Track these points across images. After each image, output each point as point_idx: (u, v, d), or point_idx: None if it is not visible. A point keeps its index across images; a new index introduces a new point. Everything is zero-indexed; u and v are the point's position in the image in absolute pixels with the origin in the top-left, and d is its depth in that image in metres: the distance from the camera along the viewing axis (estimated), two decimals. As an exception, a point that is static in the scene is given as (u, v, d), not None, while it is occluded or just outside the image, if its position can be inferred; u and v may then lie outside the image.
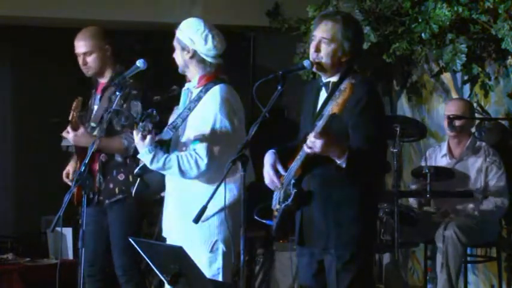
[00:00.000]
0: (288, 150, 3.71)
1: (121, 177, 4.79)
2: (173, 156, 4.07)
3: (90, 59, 4.87)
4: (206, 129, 4.07)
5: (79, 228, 4.37)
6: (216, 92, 4.12)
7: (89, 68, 4.88)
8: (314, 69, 3.69)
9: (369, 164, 3.54)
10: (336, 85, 3.60)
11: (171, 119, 4.33)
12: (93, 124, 4.87)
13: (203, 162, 4.03)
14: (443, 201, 5.53)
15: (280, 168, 3.68)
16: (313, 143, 3.40)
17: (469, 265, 5.58)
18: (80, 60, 4.89)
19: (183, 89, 4.32)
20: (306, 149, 3.45)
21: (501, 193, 5.39)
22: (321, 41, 3.62)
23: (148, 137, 4.02)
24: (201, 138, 4.07)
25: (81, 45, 4.89)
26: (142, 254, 3.69)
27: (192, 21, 4.22)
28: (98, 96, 4.92)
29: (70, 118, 4.75)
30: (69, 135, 4.73)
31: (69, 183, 4.88)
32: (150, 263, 3.66)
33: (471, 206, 5.41)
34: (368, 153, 3.50)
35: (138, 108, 4.72)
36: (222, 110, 4.09)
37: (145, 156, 4.06)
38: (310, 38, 3.71)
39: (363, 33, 3.83)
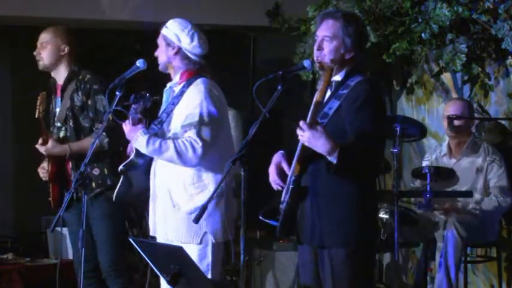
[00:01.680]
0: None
1: (96, 171, 4.86)
2: (169, 140, 4.12)
3: (43, 51, 4.99)
4: (194, 117, 4.14)
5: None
6: (199, 83, 4.22)
7: (40, 59, 5.00)
8: (318, 70, 3.71)
9: (361, 162, 3.53)
10: (340, 84, 3.62)
11: None
12: (58, 124, 4.95)
13: (198, 145, 4.09)
14: (443, 201, 5.53)
15: (286, 168, 3.68)
16: (301, 135, 3.44)
17: (469, 265, 5.58)
18: (36, 50, 5.02)
19: (165, 89, 4.38)
20: (299, 137, 3.48)
21: (503, 191, 5.39)
22: (323, 39, 3.64)
23: (139, 124, 4.10)
24: (190, 126, 4.13)
25: (41, 37, 5.04)
26: (142, 254, 3.69)
27: (178, 20, 4.32)
28: (59, 99, 4.99)
29: (37, 115, 4.83)
30: (41, 149, 4.85)
31: (43, 176, 4.96)
32: (150, 263, 3.66)
33: (472, 205, 5.41)
34: (361, 150, 3.49)
35: (104, 102, 4.82)
36: (207, 97, 4.18)
37: (140, 138, 4.08)
38: (313, 39, 3.72)
39: (365, 31, 3.82)
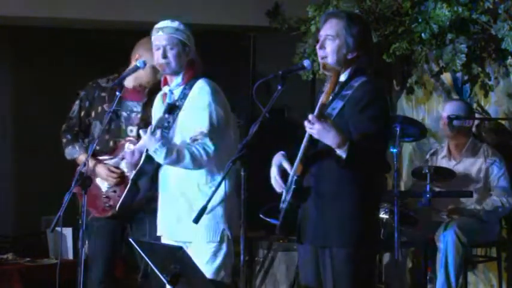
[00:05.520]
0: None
1: None
2: (182, 148, 4.11)
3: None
4: (204, 120, 4.13)
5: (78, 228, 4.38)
6: (203, 84, 4.20)
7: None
8: (321, 70, 3.71)
9: (368, 159, 3.54)
10: (344, 84, 3.62)
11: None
12: (130, 128, 4.82)
13: (211, 149, 4.10)
14: (444, 201, 5.54)
15: (288, 167, 3.69)
16: (311, 127, 3.43)
17: (469, 265, 5.58)
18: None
19: (161, 93, 4.35)
20: (307, 129, 3.47)
21: (505, 192, 5.40)
22: (326, 38, 3.65)
23: (158, 131, 4.05)
24: (201, 129, 4.12)
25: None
26: (142, 254, 3.69)
27: (178, 21, 4.26)
28: (131, 102, 4.83)
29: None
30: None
31: (116, 181, 4.78)
32: (150, 263, 3.66)
33: (474, 205, 5.41)
34: (367, 148, 3.50)
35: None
36: (215, 98, 4.17)
37: (159, 151, 4.06)
38: (313, 39, 3.73)
39: (369, 32, 3.81)
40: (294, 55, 6.37)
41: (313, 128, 3.43)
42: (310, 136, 3.54)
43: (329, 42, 3.64)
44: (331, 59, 3.64)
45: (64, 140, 4.96)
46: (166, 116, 4.16)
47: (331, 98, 3.64)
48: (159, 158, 4.09)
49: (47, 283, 5.25)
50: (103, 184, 4.81)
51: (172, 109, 4.15)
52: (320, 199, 3.59)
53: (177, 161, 4.09)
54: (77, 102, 4.99)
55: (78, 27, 7.44)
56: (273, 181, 3.72)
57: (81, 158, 4.83)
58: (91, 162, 4.71)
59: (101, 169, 4.77)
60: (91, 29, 7.51)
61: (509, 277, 5.70)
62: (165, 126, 4.17)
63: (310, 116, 3.44)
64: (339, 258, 3.56)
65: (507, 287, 5.66)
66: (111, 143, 4.83)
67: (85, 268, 4.43)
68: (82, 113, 4.96)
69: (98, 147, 4.78)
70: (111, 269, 4.92)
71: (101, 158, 4.80)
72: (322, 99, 3.50)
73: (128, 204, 4.40)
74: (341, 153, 3.45)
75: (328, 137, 3.44)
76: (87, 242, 4.96)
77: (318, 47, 3.67)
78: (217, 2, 7.29)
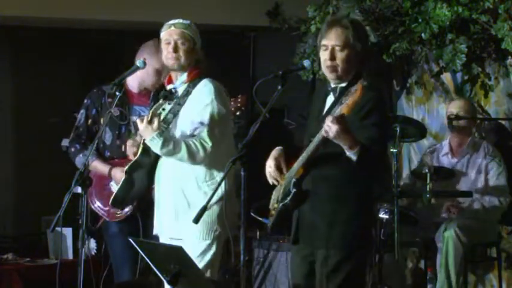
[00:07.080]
0: (294, 151, 3.72)
1: None
2: (179, 139, 4.12)
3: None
4: (205, 116, 4.15)
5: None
6: (207, 82, 4.24)
7: None
8: (329, 74, 3.70)
9: (374, 162, 3.57)
10: (344, 89, 3.63)
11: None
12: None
13: (208, 145, 4.12)
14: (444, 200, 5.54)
15: (284, 166, 3.70)
16: (329, 127, 3.43)
17: (469, 265, 5.58)
18: None
19: (164, 91, 4.36)
20: (323, 133, 3.47)
21: (501, 191, 5.40)
22: (335, 48, 3.65)
23: (156, 120, 4.05)
24: (201, 125, 4.14)
25: None
26: (142, 254, 3.69)
27: (191, 22, 4.30)
28: (136, 107, 4.82)
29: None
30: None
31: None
32: (150, 263, 3.66)
33: (472, 204, 5.41)
34: (373, 152, 3.53)
35: None
36: (217, 96, 4.20)
37: (154, 140, 4.07)
38: (321, 47, 3.70)
39: (368, 37, 3.88)
40: (294, 55, 6.36)
41: (331, 128, 3.42)
42: (320, 142, 3.54)
43: (338, 52, 3.65)
44: (342, 69, 3.66)
45: (73, 150, 4.89)
46: (161, 101, 4.16)
47: (330, 103, 3.66)
48: (155, 147, 4.09)
49: (47, 283, 5.25)
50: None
51: (169, 96, 4.15)
52: (317, 202, 3.62)
53: (173, 151, 4.10)
54: (82, 111, 4.91)
55: (78, 27, 7.44)
56: (267, 171, 3.73)
57: (94, 164, 4.78)
58: (106, 167, 4.72)
59: (117, 173, 4.69)
60: (91, 29, 7.51)
61: (509, 277, 5.70)
62: (164, 121, 4.17)
63: (330, 117, 3.44)
64: (333, 259, 3.59)
65: (507, 287, 5.66)
66: (123, 148, 4.80)
67: (86, 268, 4.43)
68: (89, 122, 4.90)
69: (109, 153, 4.80)
70: (137, 269, 4.88)
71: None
72: (342, 109, 3.46)
73: (121, 200, 4.40)
74: (351, 155, 3.48)
75: (345, 139, 3.46)
76: (91, 242, 4.93)
77: (327, 58, 3.66)
78: (217, 2, 7.30)
